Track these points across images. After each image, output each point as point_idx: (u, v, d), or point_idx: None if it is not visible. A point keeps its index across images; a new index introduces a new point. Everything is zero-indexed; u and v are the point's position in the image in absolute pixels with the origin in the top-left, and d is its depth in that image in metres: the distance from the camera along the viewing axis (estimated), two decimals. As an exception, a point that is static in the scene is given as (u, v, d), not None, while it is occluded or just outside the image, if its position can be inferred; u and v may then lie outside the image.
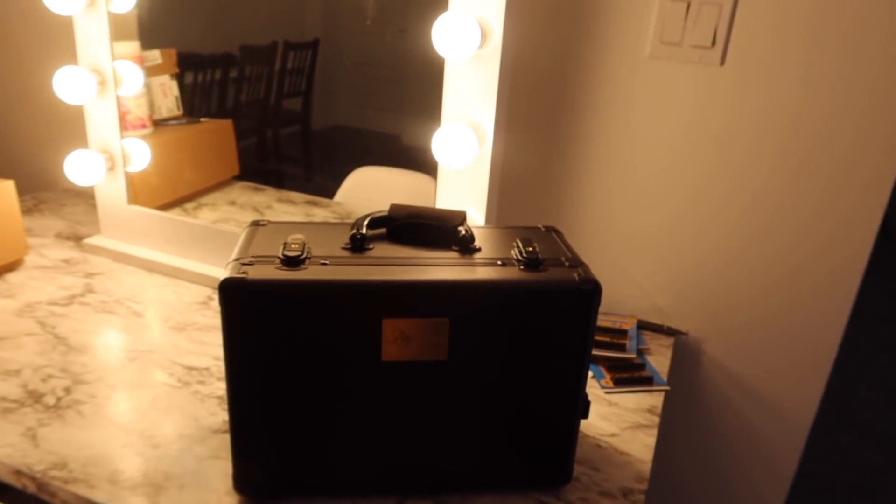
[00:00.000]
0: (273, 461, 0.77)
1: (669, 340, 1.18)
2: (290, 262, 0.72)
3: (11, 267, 1.27)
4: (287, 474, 0.78)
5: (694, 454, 1.30)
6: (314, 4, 1.66)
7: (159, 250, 1.34)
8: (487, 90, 1.00)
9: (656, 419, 0.99)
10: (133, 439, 0.87)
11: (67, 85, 1.22)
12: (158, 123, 1.57)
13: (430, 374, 0.75)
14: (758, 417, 1.22)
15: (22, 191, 1.82)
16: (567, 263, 0.78)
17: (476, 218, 1.06)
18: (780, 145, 1.07)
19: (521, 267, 0.76)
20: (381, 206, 1.65)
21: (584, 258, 1.24)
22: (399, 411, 0.77)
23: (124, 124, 1.42)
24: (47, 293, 1.20)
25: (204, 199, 1.69)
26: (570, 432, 0.80)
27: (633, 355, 1.10)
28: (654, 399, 1.03)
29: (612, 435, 0.95)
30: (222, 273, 0.71)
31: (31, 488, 0.81)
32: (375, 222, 0.81)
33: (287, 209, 1.68)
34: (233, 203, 1.69)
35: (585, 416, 0.81)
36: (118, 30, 1.29)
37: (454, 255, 0.78)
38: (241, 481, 0.78)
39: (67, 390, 0.96)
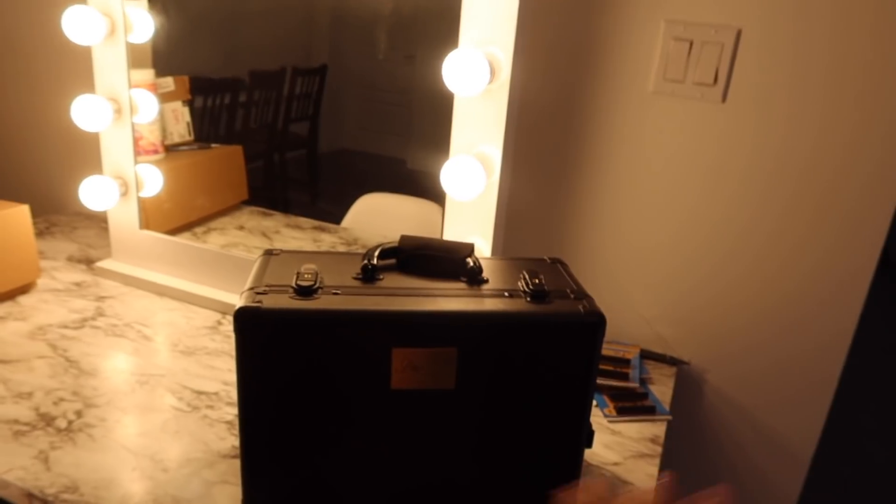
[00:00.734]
0: (282, 486, 0.79)
1: (672, 370, 1.20)
2: (303, 292, 0.74)
3: (24, 289, 1.29)
4: (296, 500, 0.79)
5: (696, 484, 1.31)
6: (322, 31, 1.70)
7: (169, 274, 1.36)
8: (496, 124, 1.03)
9: (659, 448, 1.00)
10: (143, 463, 0.89)
11: (85, 113, 1.25)
12: (170, 149, 1.60)
13: (437, 403, 0.76)
14: (759, 446, 1.23)
15: (34, 213, 1.85)
16: (572, 295, 0.80)
17: (483, 248, 1.08)
18: (771, 174, 1.09)
19: (528, 299, 0.78)
20: (388, 233, 1.68)
21: (589, 288, 1.26)
22: (406, 438, 0.78)
23: (137, 150, 1.45)
24: (59, 316, 1.22)
25: (213, 224, 1.72)
26: (574, 461, 0.81)
27: (636, 384, 1.11)
28: (657, 428, 1.05)
29: (615, 464, 0.96)
30: (232, 298, 0.73)
31: (43, 511, 0.83)
32: (386, 253, 0.83)
33: (295, 234, 1.70)
34: (241, 228, 1.71)
35: (589, 445, 0.83)
36: (133, 58, 1.32)
37: (462, 286, 0.80)
38: (250, 506, 0.79)
39: (79, 413, 0.97)
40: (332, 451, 0.77)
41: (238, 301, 0.73)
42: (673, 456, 1.32)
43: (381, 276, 0.80)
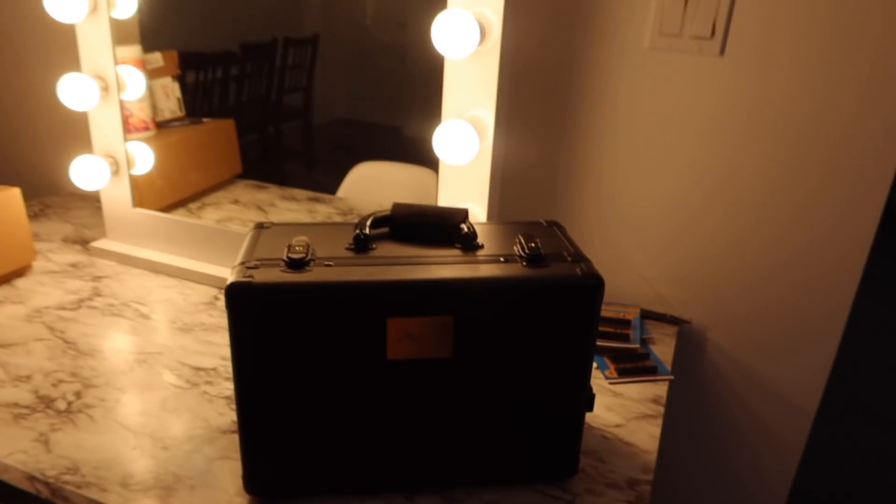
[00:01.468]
0: (282, 461, 0.78)
1: (673, 329, 1.19)
2: (295, 265, 0.73)
3: (20, 272, 1.28)
4: (296, 474, 0.79)
5: (699, 443, 1.31)
6: (313, 0, 1.66)
7: (165, 252, 1.35)
8: (487, 86, 1.00)
9: (661, 409, 1.00)
10: (143, 442, 0.88)
11: (71, 92, 1.23)
12: (161, 125, 1.58)
13: (435, 372, 0.76)
14: (763, 404, 1.23)
15: (27, 196, 1.84)
16: (569, 258, 0.79)
17: (478, 213, 1.06)
18: (774, 129, 1.07)
19: (524, 263, 0.77)
20: (383, 201, 1.66)
21: (587, 250, 1.25)
22: (405, 409, 0.77)
23: (128, 127, 1.42)
24: (55, 298, 1.22)
25: (208, 199, 1.70)
26: (575, 425, 0.81)
27: (637, 345, 1.10)
28: (659, 389, 1.04)
29: (617, 426, 0.96)
30: (227, 273, 0.72)
31: (45, 493, 0.83)
32: (378, 222, 0.81)
33: (290, 206, 1.68)
34: (236, 202, 1.70)
35: (590, 408, 0.82)
36: (119, 34, 1.30)
37: (457, 252, 0.79)
38: (251, 481, 0.79)
39: (78, 394, 0.97)
40: (330, 424, 0.77)
41: (229, 276, 0.72)
42: (675, 416, 1.32)
43: (374, 246, 0.79)
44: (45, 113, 1.72)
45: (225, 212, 1.62)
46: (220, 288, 1.29)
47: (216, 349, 1.10)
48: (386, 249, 0.79)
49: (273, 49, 1.72)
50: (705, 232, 1.16)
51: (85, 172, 1.27)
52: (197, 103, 1.85)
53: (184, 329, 1.15)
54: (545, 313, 0.75)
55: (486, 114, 1.01)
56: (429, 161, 1.20)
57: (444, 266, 0.75)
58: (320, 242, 0.79)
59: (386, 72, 1.59)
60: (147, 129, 1.51)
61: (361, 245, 0.78)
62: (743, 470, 1.30)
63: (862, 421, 2.63)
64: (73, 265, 1.34)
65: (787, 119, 1.06)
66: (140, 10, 1.34)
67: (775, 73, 1.04)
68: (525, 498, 0.81)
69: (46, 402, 0.95)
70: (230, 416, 0.94)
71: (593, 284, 0.76)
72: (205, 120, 1.73)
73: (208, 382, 1.01)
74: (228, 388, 1.00)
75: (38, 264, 1.33)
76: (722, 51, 1.06)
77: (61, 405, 0.95)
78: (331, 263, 0.74)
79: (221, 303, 1.24)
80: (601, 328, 1.14)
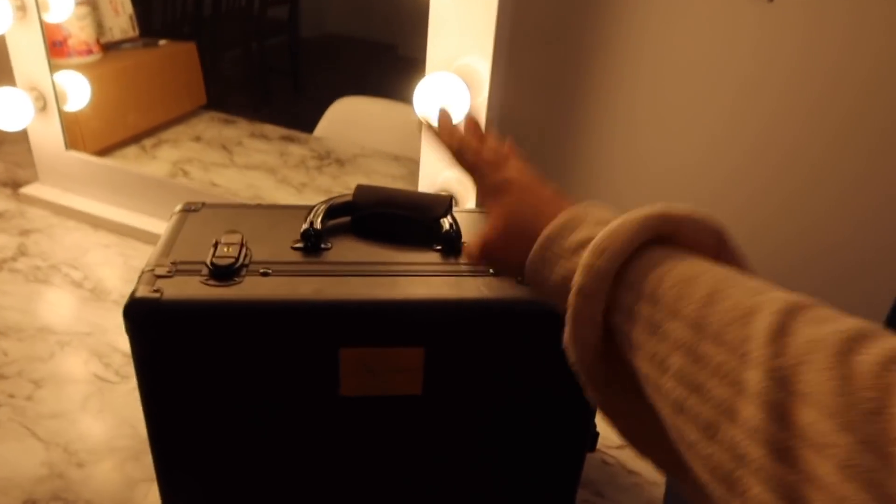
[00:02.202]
0: (204, 500, 0.64)
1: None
2: (221, 273, 0.56)
3: (-66, 221, 1.11)
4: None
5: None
6: None
7: (105, 202, 1.17)
8: (483, 28, 0.80)
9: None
10: (54, 455, 0.74)
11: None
12: (109, 47, 1.36)
13: (400, 410, 0.60)
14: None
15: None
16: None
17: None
18: (823, 92, 0.88)
19: (520, 277, 0.60)
20: (365, 144, 1.46)
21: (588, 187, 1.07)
22: (362, 452, 0.62)
23: (65, 51, 1.22)
24: (-27, 256, 1.05)
25: (165, 135, 1.50)
26: (573, 469, 0.66)
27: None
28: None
29: (620, 447, 0.81)
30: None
31: (-70, 519, 0.68)
32: (336, 210, 0.64)
33: (259, 146, 1.49)
34: (198, 139, 1.50)
35: (592, 449, 0.67)
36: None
37: (435, 258, 0.62)
38: (174, 524, 0.65)
39: (-18, 388, 0.81)
40: (267, 467, 0.62)
41: (135, 286, 0.55)
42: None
43: (329, 245, 0.62)
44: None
45: (184, 151, 1.43)
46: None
47: (155, 330, 0.94)
48: (344, 249, 0.61)
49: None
50: (734, 209, 0.99)
51: (5, 108, 1.07)
52: (155, 21, 1.62)
53: (120, 302, 0.98)
54: (544, 341, 0.58)
55: (481, 62, 0.82)
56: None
57: (416, 279, 0.59)
58: (260, 237, 0.62)
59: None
60: (90, 52, 1.29)
61: (312, 244, 0.61)
62: None
63: None
64: (0, 214, 1.16)
65: (838, 80, 0.87)
66: None
67: (830, 24, 0.84)
68: (507, 548, 0.68)
69: (-57, 398, 0.80)
70: (162, 423, 0.79)
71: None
72: (161, 42, 1.50)
73: (140, 376, 0.86)
74: (164, 383, 0.85)
75: (-42, 211, 1.15)
76: (774, -7, 0.86)
77: (-40, 402, 0.79)
78: (269, 271, 0.57)
79: (168, 267, 1.07)
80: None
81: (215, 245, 0.59)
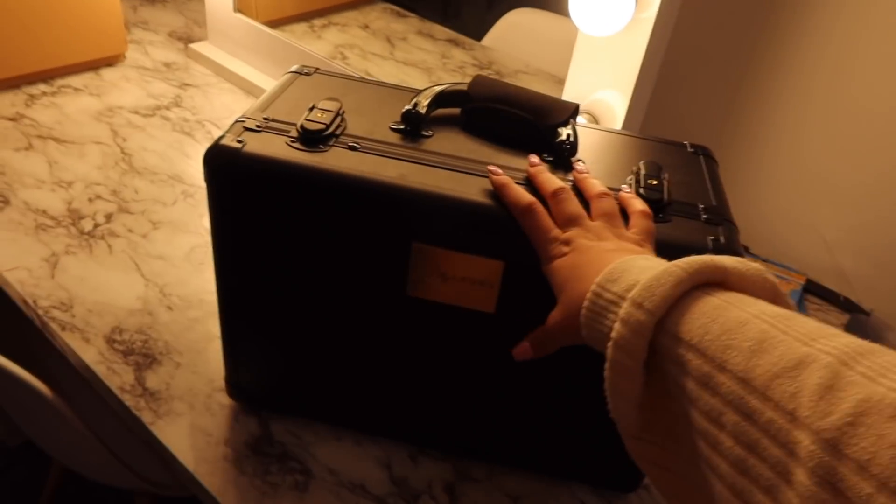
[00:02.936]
0: (265, 373, 0.63)
1: (842, 318, 0.88)
2: (307, 138, 0.52)
3: (111, 61, 1.17)
4: (281, 389, 0.64)
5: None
6: None
7: (261, 71, 1.18)
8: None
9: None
10: (150, 293, 0.76)
11: None
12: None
13: (467, 326, 0.55)
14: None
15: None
16: (705, 215, 0.52)
17: (616, 109, 0.78)
18: None
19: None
20: (532, 59, 1.38)
21: (749, 190, 0.93)
22: (421, 358, 0.58)
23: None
24: (134, 98, 1.10)
25: (336, 18, 1.49)
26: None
27: (785, 327, 0.82)
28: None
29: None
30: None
31: (36, 321, 0.74)
32: (446, 98, 0.57)
33: (423, 44, 1.45)
34: (366, 27, 1.48)
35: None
36: None
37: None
38: (232, 385, 0.65)
39: (108, 217, 0.86)
40: (324, 346, 0.59)
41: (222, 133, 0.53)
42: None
43: (430, 132, 0.56)
44: None
45: (348, 37, 1.42)
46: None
47: (273, 199, 0.94)
48: (445, 140, 0.56)
49: None
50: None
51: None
52: None
53: (249, 166, 1.00)
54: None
55: (660, -32, 0.71)
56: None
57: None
58: (363, 110, 0.57)
59: None
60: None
61: (412, 127, 0.55)
62: None
63: None
64: (167, 65, 1.21)
65: None
66: None
67: None
68: (555, 499, 0.62)
69: (74, 218, 0.85)
70: (253, 287, 0.80)
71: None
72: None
73: (247, 239, 0.87)
74: (266, 251, 0.85)
75: (133, 56, 1.21)
76: None
77: (87, 225, 0.84)
78: (357, 146, 0.53)
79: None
80: (741, 292, 0.86)
81: (311, 109, 0.55)
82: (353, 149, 0.53)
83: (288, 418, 0.64)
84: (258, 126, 0.54)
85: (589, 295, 0.39)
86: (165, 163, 0.97)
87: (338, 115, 0.55)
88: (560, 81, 1.27)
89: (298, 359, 0.61)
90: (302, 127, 0.53)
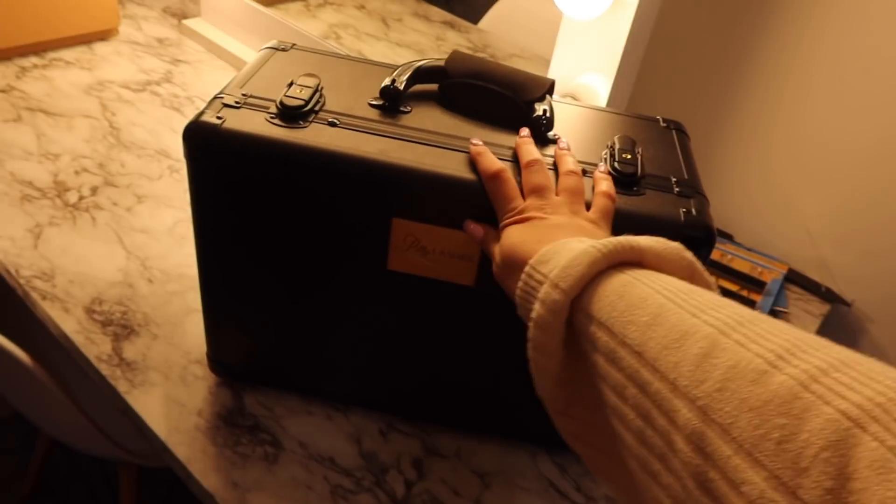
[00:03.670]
0: (245, 347, 0.63)
1: (823, 308, 0.88)
2: (287, 114, 0.52)
3: (103, 36, 1.17)
4: (261, 364, 0.64)
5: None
6: None
7: (254, 48, 1.18)
8: None
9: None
10: (131, 265, 0.77)
11: None
12: None
13: (447, 299, 0.55)
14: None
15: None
16: (677, 188, 0.53)
17: (599, 90, 0.78)
18: None
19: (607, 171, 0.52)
20: (529, 44, 1.37)
21: (730, 172, 0.93)
22: (400, 330, 0.59)
23: None
24: (125, 73, 1.10)
25: (334, -4, 1.49)
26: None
27: (765, 316, 0.83)
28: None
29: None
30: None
31: (18, 291, 0.74)
32: (424, 74, 0.57)
33: (417, 26, 1.44)
34: (362, 7, 1.48)
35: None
36: None
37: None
38: (212, 360, 0.65)
39: (94, 190, 0.86)
40: (303, 321, 0.60)
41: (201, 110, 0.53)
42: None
43: (409, 108, 0.56)
44: None
45: (343, 16, 1.42)
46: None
47: (260, 177, 0.94)
48: (423, 116, 0.56)
49: None
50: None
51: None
52: None
53: (237, 143, 1.00)
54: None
55: (648, -48, 0.70)
56: None
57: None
58: (340, 86, 0.58)
59: None
60: None
61: (390, 103, 0.56)
62: None
63: None
64: (160, 40, 1.21)
65: None
66: None
67: None
68: (522, 476, 0.62)
69: (59, 190, 0.85)
70: (235, 262, 0.80)
71: (697, 237, 0.50)
72: None
73: (231, 215, 0.87)
74: (251, 227, 0.85)
75: (126, 31, 1.21)
76: None
77: (72, 197, 0.84)
78: (336, 122, 0.53)
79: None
80: (722, 283, 0.86)
81: (290, 85, 0.55)
82: (332, 125, 0.53)
83: (261, 391, 0.65)
84: (237, 102, 0.54)
85: (522, 276, 0.41)
86: (153, 137, 0.97)
87: (316, 91, 0.55)
88: (554, 66, 1.27)
89: (278, 333, 0.61)
90: (281, 103, 0.53)
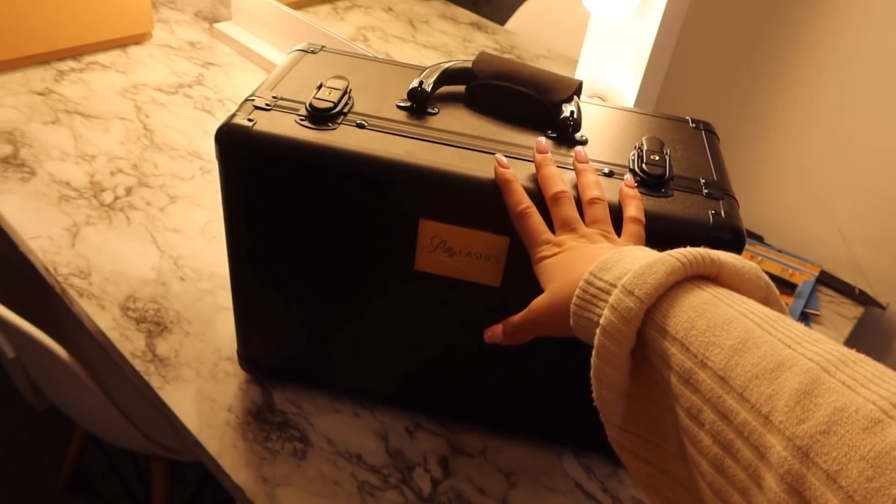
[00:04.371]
0: (275, 346, 0.64)
1: (857, 310, 0.87)
2: (316, 116, 0.53)
3: (138, 40, 1.20)
4: (290, 362, 0.65)
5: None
6: None
7: (284, 51, 1.19)
8: None
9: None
10: (164, 264, 0.78)
11: None
12: None
13: (473, 299, 0.56)
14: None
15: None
16: (706, 190, 0.52)
17: (627, 90, 0.78)
18: None
19: (635, 183, 0.52)
20: (556, 46, 1.37)
21: (766, 182, 0.92)
22: (427, 329, 0.59)
23: None
24: (158, 76, 1.12)
25: (360, 0, 1.51)
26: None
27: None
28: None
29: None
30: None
31: (56, 288, 0.76)
32: (451, 76, 0.58)
33: (444, 27, 1.45)
34: (389, 10, 1.49)
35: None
36: None
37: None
38: (243, 358, 0.66)
39: (128, 190, 0.88)
40: (331, 320, 0.61)
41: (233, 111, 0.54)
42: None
43: (436, 110, 0.57)
44: None
45: (371, 19, 1.43)
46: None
47: (289, 177, 0.96)
48: (451, 118, 0.56)
49: None
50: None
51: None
52: None
53: (267, 145, 1.02)
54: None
55: (677, -49, 0.70)
56: None
57: (518, 162, 0.52)
58: (369, 89, 0.58)
59: None
60: None
61: (418, 105, 0.56)
62: None
63: None
64: (192, 44, 1.23)
65: None
66: None
67: None
68: (547, 476, 0.62)
69: (96, 191, 0.87)
70: (265, 262, 0.81)
71: (726, 240, 0.50)
72: None
73: (261, 215, 0.88)
74: (280, 227, 0.87)
75: (159, 34, 1.23)
76: None
77: (108, 198, 0.87)
78: (365, 124, 0.54)
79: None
80: (752, 281, 0.85)
81: (319, 87, 0.56)
82: (360, 126, 0.54)
83: (290, 389, 0.66)
84: (267, 105, 0.55)
85: (581, 283, 0.39)
86: (185, 139, 0.99)
87: (345, 93, 0.56)
88: (582, 67, 1.26)
89: (307, 331, 0.62)
90: (311, 105, 0.54)
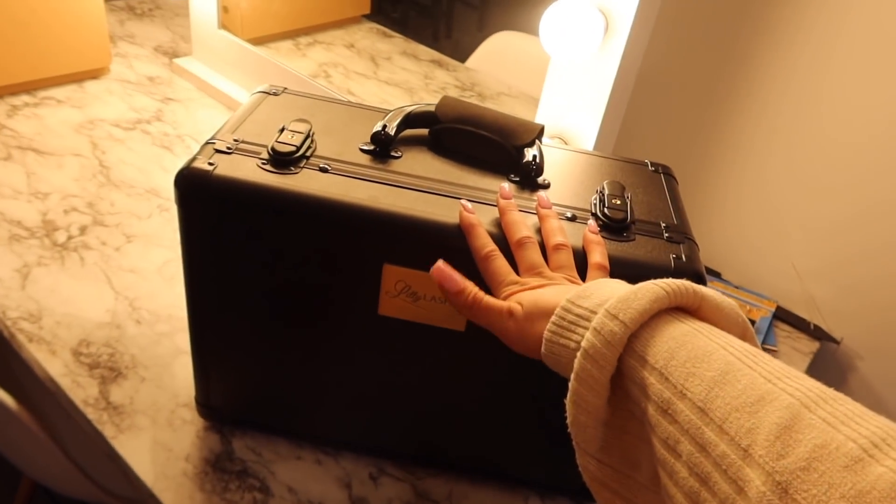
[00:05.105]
0: (235, 391, 0.63)
1: (812, 346, 0.89)
2: (278, 160, 0.53)
3: (95, 74, 1.18)
4: (250, 408, 0.64)
5: None
6: None
7: (244, 87, 1.19)
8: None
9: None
10: (120, 306, 0.76)
11: None
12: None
13: (438, 343, 0.55)
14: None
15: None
16: (666, 234, 0.53)
17: (587, 131, 0.79)
18: None
19: (597, 229, 0.52)
20: (517, 83, 1.39)
21: (723, 220, 0.94)
22: (391, 374, 0.58)
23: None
24: (116, 112, 1.10)
25: (322, 36, 1.51)
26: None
27: (754, 354, 0.83)
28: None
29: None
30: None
31: (5, 333, 0.73)
32: (414, 119, 0.58)
33: (406, 64, 1.46)
34: (351, 47, 1.49)
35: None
36: None
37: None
38: (201, 405, 0.64)
39: (83, 229, 0.86)
40: (293, 366, 0.59)
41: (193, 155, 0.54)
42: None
43: (400, 153, 0.57)
44: None
45: (333, 55, 1.43)
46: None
47: (250, 215, 0.94)
48: (414, 162, 0.56)
49: None
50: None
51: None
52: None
53: (227, 182, 1.00)
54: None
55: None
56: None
57: (481, 206, 0.52)
58: (332, 131, 0.58)
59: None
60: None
61: (381, 148, 0.56)
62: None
63: None
64: (151, 79, 1.21)
65: None
66: None
67: None
68: (520, 525, 0.62)
69: (48, 230, 0.85)
70: (225, 303, 0.80)
71: (688, 287, 0.50)
72: (336, -55, 1.49)
73: (221, 254, 0.87)
74: (240, 267, 0.85)
75: (117, 69, 1.22)
76: None
77: (61, 237, 0.84)
78: (328, 168, 0.53)
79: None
80: (712, 317, 0.87)
81: (281, 130, 0.56)
82: (323, 170, 0.53)
83: (250, 436, 0.64)
84: (229, 148, 0.54)
85: (558, 310, 0.38)
86: (143, 176, 0.97)
87: (308, 136, 0.55)
88: (542, 105, 1.28)
89: (268, 377, 0.61)
90: (272, 149, 0.53)
